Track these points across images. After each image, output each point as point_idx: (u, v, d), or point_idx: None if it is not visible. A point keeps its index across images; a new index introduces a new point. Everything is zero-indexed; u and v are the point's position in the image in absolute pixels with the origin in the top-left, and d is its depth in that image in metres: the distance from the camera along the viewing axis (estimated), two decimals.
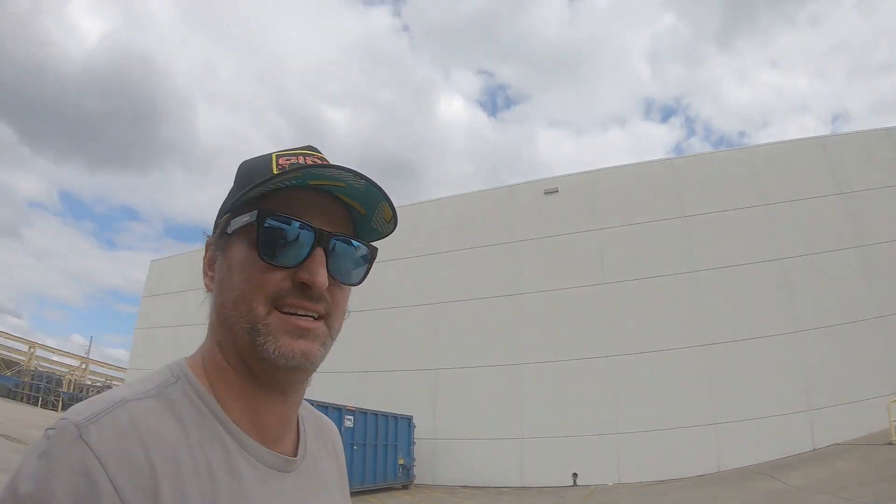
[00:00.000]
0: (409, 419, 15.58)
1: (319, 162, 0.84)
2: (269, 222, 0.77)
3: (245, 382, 0.79)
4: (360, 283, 0.84)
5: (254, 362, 0.77)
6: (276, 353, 0.74)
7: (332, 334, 0.81)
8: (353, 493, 13.44)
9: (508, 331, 15.99)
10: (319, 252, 0.77)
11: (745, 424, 13.06)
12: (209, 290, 0.85)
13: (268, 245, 0.77)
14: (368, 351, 16.72)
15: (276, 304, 0.76)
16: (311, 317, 0.77)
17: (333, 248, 0.80)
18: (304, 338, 0.76)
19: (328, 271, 0.78)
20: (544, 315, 15.66)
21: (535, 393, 15.16)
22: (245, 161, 0.90)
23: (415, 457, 15.41)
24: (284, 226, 0.77)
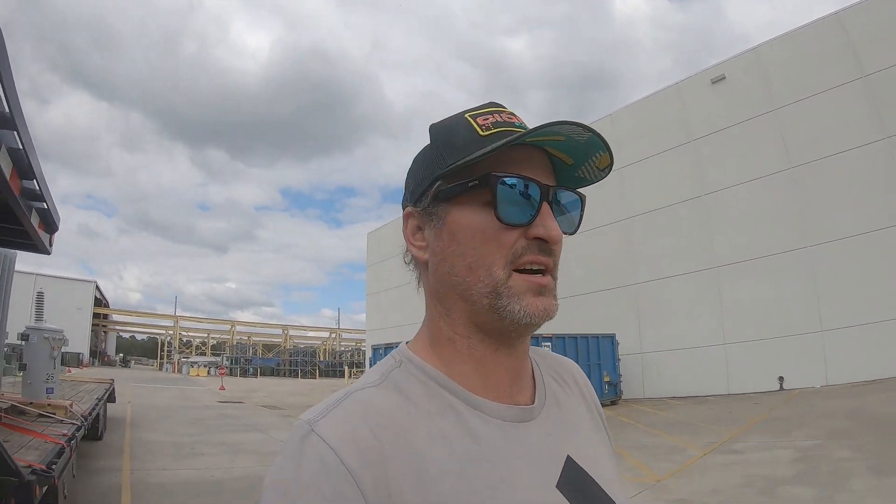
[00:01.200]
0: (611, 337, 15.78)
1: (511, 118, 0.83)
2: (504, 182, 0.76)
3: (474, 346, 0.80)
4: (576, 231, 0.84)
5: (492, 324, 0.78)
6: (522, 312, 0.74)
7: (556, 286, 0.80)
8: None
9: (700, 235, 15.42)
10: (546, 206, 0.77)
11: None
12: (420, 260, 0.85)
13: (504, 205, 0.76)
14: (567, 276, 17.06)
15: (513, 266, 0.76)
16: (542, 272, 0.77)
17: (556, 201, 0.79)
18: (544, 294, 0.76)
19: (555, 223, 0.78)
20: (733, 212, 14.83)
21: (735, 295, 14.54)
22: (435, 124, 0.88)
23: (621, 373, 15.64)
24: (516, 184, 0.77)
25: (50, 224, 4.92)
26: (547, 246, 0.76)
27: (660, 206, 16.40)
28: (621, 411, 13.53)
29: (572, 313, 16.78)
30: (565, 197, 0.81)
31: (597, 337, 15.27)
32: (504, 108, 0.87)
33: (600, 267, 17.13)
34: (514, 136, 0.75)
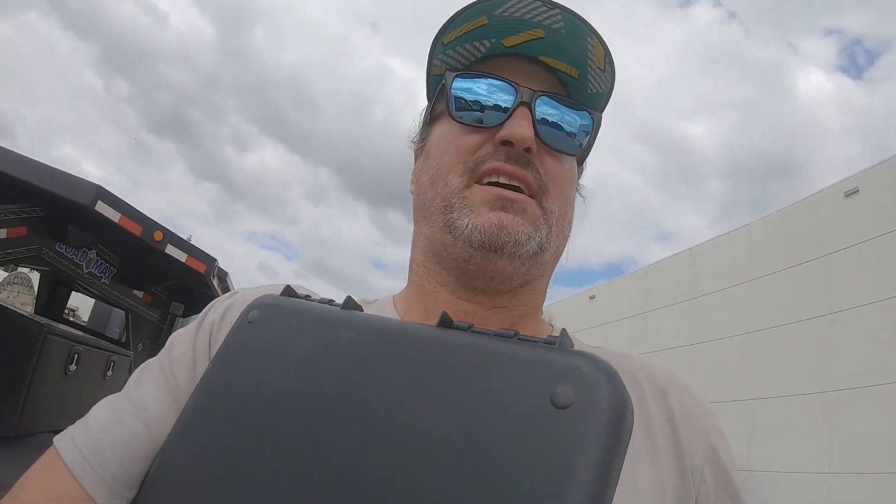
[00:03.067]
0: None
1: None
2: (460, 80, 0.69)
3: (426, 278, 0.71)
4: (580, 153, 0.72)
5: (444, 251, 0.68)
6: (469, 226, 0.64)
7: (547, 217, 0.67)
8: None
9: (820, 356, 14.32)
10: (522, 109, 0.66)
11: None
12: (412, 195, 0.77)
13: (461, 103, 0.68)
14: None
15: (477, 176, 0.67)
16: (520, 190, 0.66)
17: (542, 108, 0.68)
18: (506, 210, 0.64)
19: (537, 133, 0.67)
20: (857, 334, 13.62)
21: (848, 423, 13.15)
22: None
23: None
24: (479, 82, 0.68)
25: (202, 256, 4.70)
26: (522, 155, 0.66)
27: (786, 322, 15.57)
28: None
29: None
30: (563, 107, 0.69)
31: None
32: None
33: (718, 377, 16.57)
34: (455, 22, 0.69)
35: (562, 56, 0.70)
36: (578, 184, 0.78)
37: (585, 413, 0.31)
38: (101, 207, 3.73)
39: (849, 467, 12.81)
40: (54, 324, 3.34)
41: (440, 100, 0.73)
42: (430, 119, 0.77)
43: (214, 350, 0.62)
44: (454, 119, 0.68)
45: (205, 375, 0.50)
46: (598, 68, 0.70)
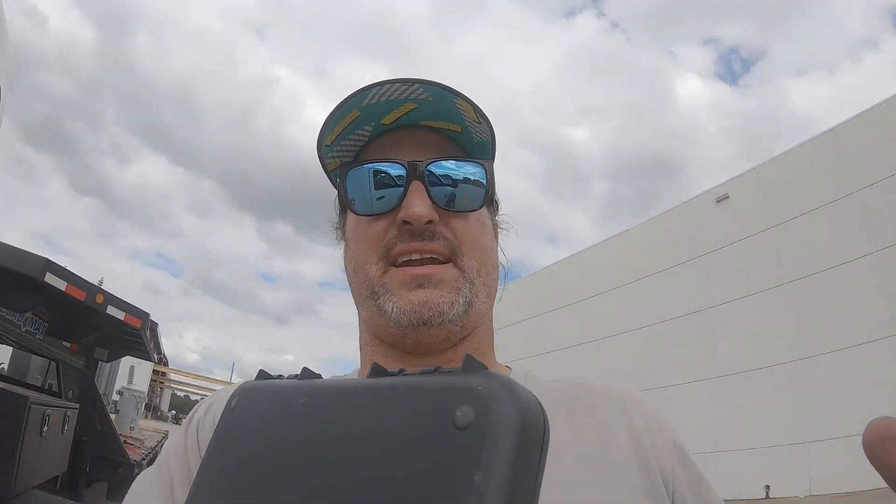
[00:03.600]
0: None
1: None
2: (352, 173, 0.71)
3: (388, 363, 0.70)
4: (480, 206, 0.73)
5: (381, 331, 0.72)
6: (395, 309, 0.67)
7: (466, 274, 0.69)
8: None
9: (701, 348, 15.71)
10: (416, 184, 0.68)
11: None
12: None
13: (358, 197, 0.71)
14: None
15: (391, 260, 0.69)
16: (435, 260, 0.68)
17: (433, 176, 0.69)
18: (423, 286, 0.67)
19: (434, 202, 0.69)
20: (731, 327, 15.11)
21: (729, 405, 14.55)
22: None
23: None
24: (368, 171, 0.71)
25: (137, 313, 5.27)
26: (425, 228, 0.67)
27: (667, 318, 16.89)
28: None
29: None
30: (453, 168, 0.71)
31: None
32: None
33: (609, 373, 17.59)
34: (333, 120, 0.71)
35: (439, 117, 0.72)
36: (495, 222, 0.81)
37: (484, 430, 0.32)
38: (50, 278, 4.14)
39: (733, 445, 14.09)
40: (34, 393, 3.75)
41: (343, 192, 0.75)
42: (342, 207, 0.79)
43: (203, 444, 0.66)
44: (355, 213, 0.72)
45: (200, 467, 0.52)
46: (474, 121, 0.73)
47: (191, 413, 0.75)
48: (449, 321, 0.67)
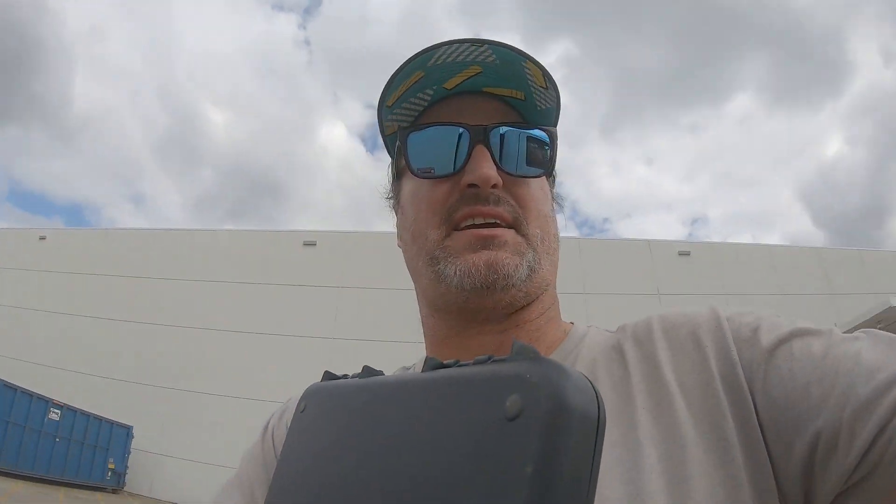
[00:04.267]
0: (128, 429, 16.07)
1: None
2: (413, 136, 0.70)
3: (437, 327, 0.72)
4: (547, 172, 0.72)
5: (444, 301, 0.69)
6: (458, 272, 0.64)
7: (530, 241, 0.67)
8: (55, 483, 13.22)
9: (239, 364, 17.20)
10: (480, 148, 0.67)
11: None
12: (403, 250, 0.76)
13: (420, 159, 0.70)
14: (108, 360, 17.68)
15: (453, 224, 0.67)
16: (499, 225, 0.66)
17: (498, 141, 0.68)
18: (488, 247, 0.64)
19: (499, 167, 0.67)
20: (271, 354, 17.08)
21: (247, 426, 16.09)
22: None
23: (128, 465, 15.98)
24: (431, 132, 0.70)
25: None
26: (491, 193, 0.66)
27: (212, 329, 18.25)
28: (114, 499, 14.46)
29: (113, 397, 17.05)
30: (518, 133, 0.69)
31: (111, 423, 15.55)
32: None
33: (143, 361, 17.92)
34: (395, 85, 0.70)
35: (504, 83, 0.70)
36: (554, 193, 0.79)
37: (533, 419, 0.30)
38: None
39: None
40: None
41: (400, 157, 0.74)
42: (397, 174, 0.78)
43: (279, 449, 0.68)
44: (417, 176, 0.70)
45: (275, 471, 0.53)
46: (541, 87, 0.70)
47: (266, 420, 0.77)
48: (513, 285, 0.64)
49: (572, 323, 0.76)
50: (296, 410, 0.54)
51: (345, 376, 0.54)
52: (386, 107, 0.73)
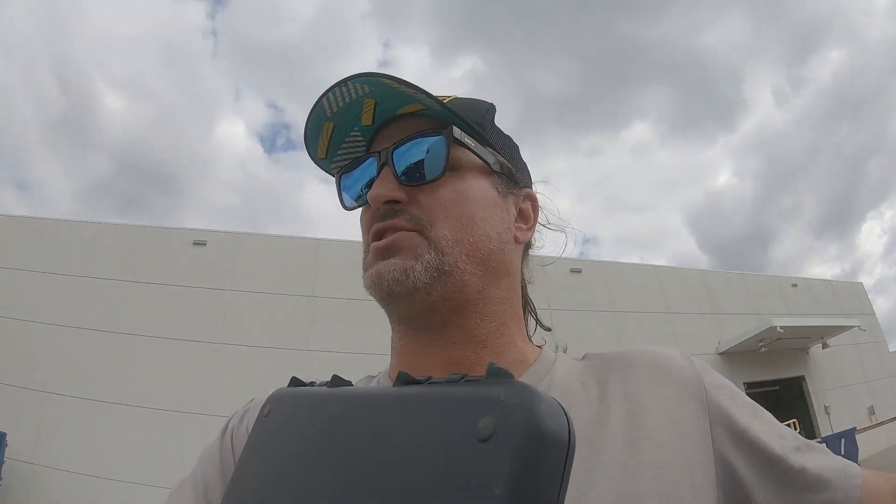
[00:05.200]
0: (1, 435, 15.36)
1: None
2: (343, 178, 0.76)
3: (396, 340, 0.75)
4: (440, 174, 0.69)
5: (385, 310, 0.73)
6: (366, 288, 0.68)
7: (434, 243, 0.66)
8: None
9: (125, 368, 16.19)
10: (385, 171, 0.69)
11: None
12: None
13: (343, 193, 0.76)
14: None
15: (370, 244, 0.70)
16: (396, 233, 0.68)
17: (399, 157, 0.70)
18: (383, 257, 0.67)
19: (404, 182, 0.68)
20: (158, 358, 16.39)
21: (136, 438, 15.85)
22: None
23: (1, 475, 15.26)
24: (350, 169, 0.75)
25: None
26: (388, 208, 0.68)
27: (139, 334, 17.38)
28: None
29: None
30: (413, 145, 0.69)
31: None
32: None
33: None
34: (311, 148, 0.74)
35: (402, 102, 0.70)
36: (517, 192, 0.77)
37: (504, 442, 0.31)
38: None
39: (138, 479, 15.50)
40: None
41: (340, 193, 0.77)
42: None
43: (238, 451, 0.69)
44: (346, 208, 0.75)
45: (233, 473, 0.54)
46: (406, 94, 0.69)
47: (227, 421, 0.76)
48: (417, 288, 0.64)
49: (540, 346, 0.77)
50: (259, 414, 0.55)
51: (311, 383, 0.56)
52: (321, 159, 0.76)
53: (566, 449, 0.32)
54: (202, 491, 0.68)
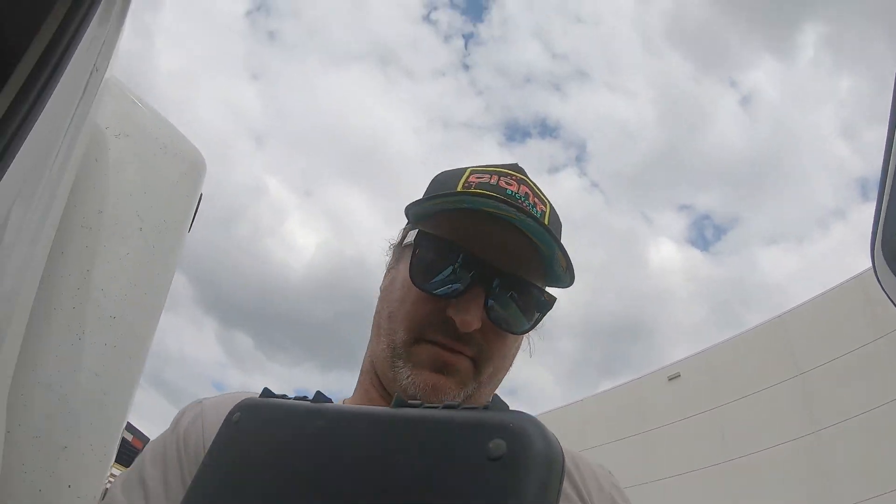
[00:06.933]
0: None
1: (512, 184, 0.76)
2: (425, 245, 0.72)
3: (369, 390, 0.78)
4: (525, 332, 0.76)
5: (386, 379, 0.75)
6: (410, 381, 0.70)
7: (478, 377, 0.73)
8: None
9: None
10: (477, 291, 0.69)
11: None
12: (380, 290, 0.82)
13: (421, 270, 0.72)
14: None
15: (424, 336, 0.72)
16: (460, 353, 0.72)
17: (497, 289, 0.71)
18: (442, 373, 0.71)
19: (487, 314, 0.71)
20: (671, 500, 14.77)
21: None
22: (442, 172, 0.84)
23: None
24: (442, 253, 0.72)
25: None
26: (465, 334, 0.70)
27: None
28: None
29: None
30: (520, 291, 0.73)
31: None
32: (519, 173, 0.79)
33: None
34: (441, 197, 0.74)
35: (535, 235, 0.71)
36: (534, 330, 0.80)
37: (517, 460, 0.34)
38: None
39: None
40: None
41: (413, 249, 0.75)
42: (402, 244, 0.80)
43: (187, 453, 0.68)
44: (413, 283, 0.72)
45: (196, 476, 0.53)
46: (561, 265, 0.73)
47: (175, 420, 0.75)
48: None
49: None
50: (227, 418, 0.55)
51: (284, 396, 0.56)
52: (414, 202, 0.79)
53: (561, 469, 0.36)
54: (146, 485, 0.68)
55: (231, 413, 0.54)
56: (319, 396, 0.51)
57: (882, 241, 1.61)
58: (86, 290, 1.20)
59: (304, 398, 0.52)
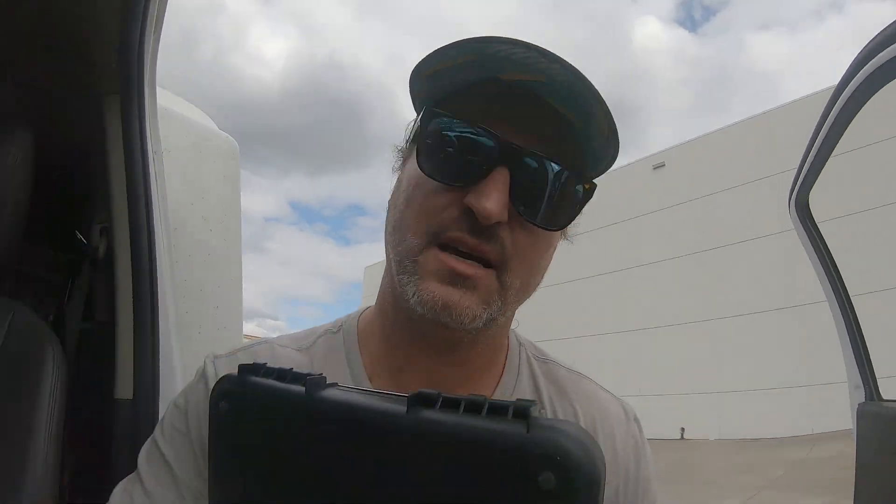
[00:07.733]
0: None
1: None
2: (434, 123, 0.60)
3: (390, 325, 0.68)
4: (560, 227, 0.63)
5: (398, 301, 0.64)
6: (415, 297, 0.58)
7: (503, 291, 0.60)
8: None
9: (627, 301, 17.21)
10: (501, 172, 0.57)
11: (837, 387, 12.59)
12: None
13: (431, 155, 0.59)
14: None
15: (436, 239, 0.59)
16: (478, 260, 0.59)
17: (526, 172, 0.58)
18: (456, 285, 0.58)
19: (511, 202, 0.58)
20: (655, 284, 16.53)
21: (651, 356, 16.20)
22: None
23: None
24: (454, 130, 0.59)
25: None
26: (487, 227, 0.57)
27: (598, 273, 17.95)
28: None
29: None
30: (552, 172, 0.59)
31: None
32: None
33: (542, 322, 18.48)
34: (444, 52, 0.59)
35: (566, 103, 0.59)
36: (565, 234, 0.70)
37: (567, 493, 0.35)
38: None
39: (654, 390, 15.44)
40: None
41: (419, 138, 0.62)
42: (413, 140, 0.66)
43: (196, 431, 0.66)
44: (423, 173, 0.60)
45: (209, 479, 0.52)
46: (601, 133, 0.60)
47: (183, 392, 0.71)
48: (465, 331, 0.61)
49: (507, 340, 0.76)
50: (212, 403, 0.51)
51: (264, 366, 0.50)
52: (424, 75, 0.64)
53: (603, 485, 0.37)
54: (174, 474, 0.65)
55: (215, 399, 0.50)
56: (312, 381, 0.47)
57: (796, 198, 2.25)
58: (197, 288, 1.62)
59: (290, 371, 0.49)
